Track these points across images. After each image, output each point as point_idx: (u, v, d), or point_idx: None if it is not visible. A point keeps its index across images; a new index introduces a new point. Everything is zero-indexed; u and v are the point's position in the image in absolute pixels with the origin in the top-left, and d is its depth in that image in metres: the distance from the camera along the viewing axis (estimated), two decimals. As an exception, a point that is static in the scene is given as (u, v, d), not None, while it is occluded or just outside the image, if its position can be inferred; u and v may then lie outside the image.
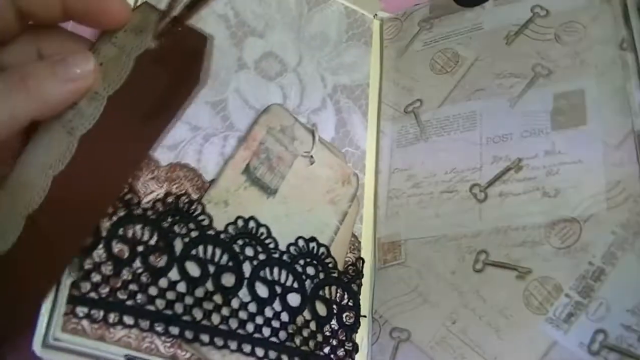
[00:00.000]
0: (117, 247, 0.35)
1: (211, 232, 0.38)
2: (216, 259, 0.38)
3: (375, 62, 0.52)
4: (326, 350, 0.40)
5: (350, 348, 0.41)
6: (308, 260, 0.42)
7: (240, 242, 0.39)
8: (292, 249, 0.41)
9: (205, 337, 0.36)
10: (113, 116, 0.31)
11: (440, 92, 0.48)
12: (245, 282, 0.39)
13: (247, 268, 0.39)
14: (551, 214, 0.40)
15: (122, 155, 0.33)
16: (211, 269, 0.37)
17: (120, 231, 0.35)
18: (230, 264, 0.38)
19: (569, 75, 0.43)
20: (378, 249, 0.46)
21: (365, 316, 0.43)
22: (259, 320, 0.38)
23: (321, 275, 0.42)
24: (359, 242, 0.45)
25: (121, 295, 0.34)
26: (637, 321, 0.35)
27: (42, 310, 0.32)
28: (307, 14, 0.49)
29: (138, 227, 0.36)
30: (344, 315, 0.42)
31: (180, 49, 0.34)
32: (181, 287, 0.36)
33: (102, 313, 0.34)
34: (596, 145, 0.40)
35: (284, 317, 0.39)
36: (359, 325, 0.42)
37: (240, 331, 0.37)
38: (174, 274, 0.36)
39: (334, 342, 0.41)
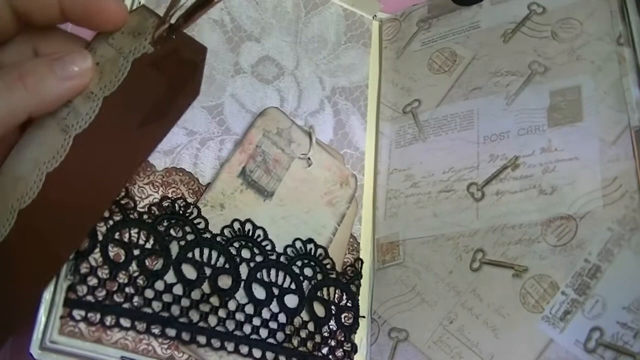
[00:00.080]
0: (113, 250, 0.36)
1: (207, 235, 0.39)
2: (212, 262, 0.38)
3: (374, 63, 0.52)
4: (324, 351, 0.40)
5: (349, 348, 0.42)
6: (305, 261, 0.42)
7: (236, 244, 0.40)
8: (289, 250, 0.41)
9: (202, 339, 0.36)
10: (109, 117, 0.32)
11: (438, 91, 0.48)
12: (242, 284, 0.39)
13: (244, 270, 0.39)
14: (547, 211, 0.39)
15: (118, 158, 0.33)
16: (207, 271, 0.38)
17: (117, 235, 0.36)
18: (227, 266, 0.39)
19: (565, 71, 0.42)
20: (377, 250, 0.46)
21: (364, 317, 0.44)
22: (256, 321, 0.38)
23: (319, 277, 0.42)
24: (358, 243, 0.45)
25: (118, 298, 0.35)
26: (633, 318, 0.34)
27: (40, 313, 0.33)
28: (304, 17, 0.50)
29: (134, 231, 0.37)
30: (342, 316, 0.42)
31: (179, 57, 0.34)
32: (178, 289, 0.37)
33: (98, 316, 0.34)
34: (592, 141, 0.40)
35: (282, 318, 0.39)
36: (358, 325, 0.43)
37: (237, 333, 0.38)
38: (170, 277, 0.37)
39: (333, 343, 0.41)
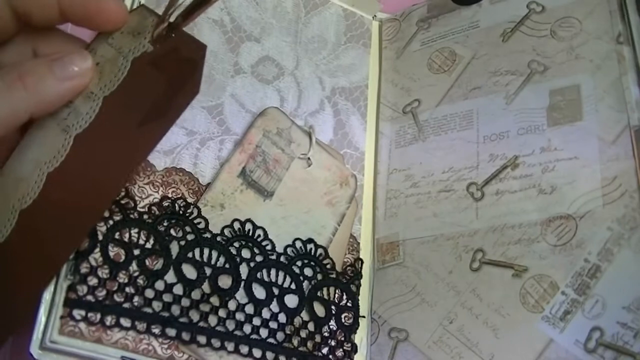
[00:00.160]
0: (113, 250, 0.36)
1: (207, 235, 0.39)
2: (213, 262, 0.38)
3: (374, 63, 0.52)
4: (324, 350, 0.40)
5: (349, 348, 0.42)
6: (305, 261, 0.42)
7: (236, 244, 0.40)
8: (289, 250, 0.41)
9: (202, 339, 0.36)
10: (109, 117, 0.32)
11: (438, 91, 0.48)
12: (242, 283, 0.39)
13: (244, 270, 0.39)
14: (547, 211, 0.39)
15: (118, 158, 0.33)
16: (208, 271, 0.38)
17: (117, 235, 0.36)
18: (227, 266, 0.39)
19: (565, 70, 0.42)
20: (377, 250, 0.46)
21: (364, 316, 0.44)
22: (257, 321, 0.38)
23: (319, 277, 0.42)
24: (358, 243, 0.45)
25: (118, 298, 0.35)
26: (633, 318, 0.34)
27: (40, 312, 0.33)
28: (304, 18, 0.50)
29: (134, 230, 0.37)
30: (342, 316, 0.42)
31: (178, 56, 0.34)
32: (178, 289, 0.37)
33: (99, 316, 0.34)
34: (592, 141, 0.40)
35: (282, 318, 0.39)
36: (358, 325, 0.43)
37: (237, 332, 0.38)
38: (170, 277, 0.37)
39: (333, 343, 0.41)
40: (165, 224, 0.38)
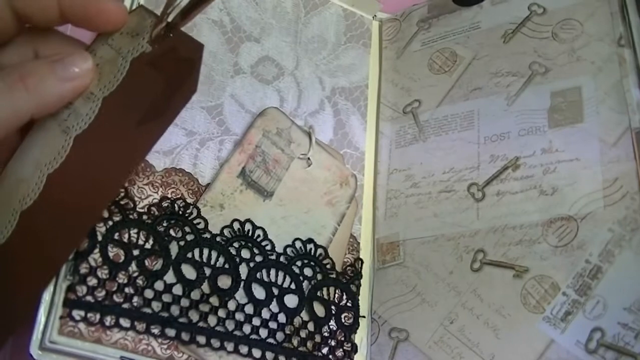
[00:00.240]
0: (112, 251, 0.36)
1: (207, 235, 0.39)
2: (212, 262, 0.38)
3: (374, 63, 0.52)
4: (324, 351, 0.40)
5: (349, 348, 0.41)
6: (305, 261, 0.42)
7: (236, 244, 0.39)
8: (289, 250, 0.41)
9: (201, 339, 0.36)
10: (108, 118, 0.32)
11: (439, 92, 0.48)
12: (242, 284, 0.39)
13: (243, 270, 0.39)
14: (548, 212, 0.39)
15: (117, 158, 0.33)
16: (207, 271, 0.38)
17: (116, 235, 0.36)
18: (227, 266, 0.39)
19: (566, 72, 0.42)
20: (377, 250, 0.46)
21: (364, 316, 0.43)
22: (256, 321, 0.38)
23: (319, 277, 0.42)
24: (358, 243, 0.45)
25: (117, 298, 0.35)
26: (634, 319, 0.34)
27: (39, 313, 0.33)
28: (304, 18, 0.49)
29: (134, 231, 0.37)
30: (342, 316, 0.42)
31: (176, 55, 0.34)
32: (177, 289, 0.37)
33: (98, 316, 0.34)
34: (593, 142, 0.40)
35: (282, 318, 0.39)
36: (358, 325, 0.43)
37: (237, 332, 0.37)
38: (169, 277, 0.37)
39: (333, 343, 0.41)
40: (164, 224, 0.38)
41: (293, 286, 0.41)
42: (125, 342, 0.35)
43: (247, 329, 0.38)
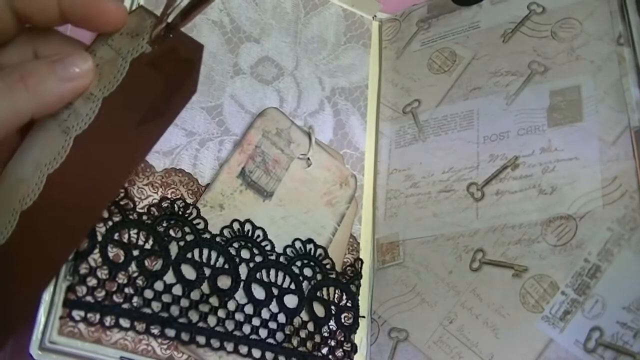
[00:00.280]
0: (112, 251, 0.36)
1: (207, 235, 0.39)
2: (212, 262, 0.38)
3: (374, 63, 0.52)
4: (324, 351, 0.40)
5: (349, 349, 0.41)
6: (305, 261, 0.42)
7: (236, 245, 0.40)
8: (288, 250, 0.41)
9: (201, 339, 0.36)
10: (108, 118, 0.32)
11: (438, 91, 0.48)
12: (242, 284, 0.39)
13: (243, 270, 0.39)
14: (547, 211, 0.39)
15: (117, 158, 0.33)
16: (207, 271, 0.38)
17: (116, 236, 0.36)
18: (226, 266, 0.39)
19: (565, 71, 0.42)
20: (377, 250, 0.46)
21: (364, 317, 0.43)
22: (256, 321, 0.38)
23: (319, 277, 0.42)
24: (358, 243, 0.45)
25: (117, 299, 0.35)
26: (633, 318, 0.34)
27: (39, 313, 0.33)
28: (304, 18, 0.50)
29: (133, 231, 0.37)
30: (342, 316, 0.42)
31: (176, 56, 0.34)
32: (177, 289, 0.37)
33: (98, 316, 0.34)
34: (592, 141, 0.39)
35: (281, 318, 0.39)
36: (358, 325, 0.43)
37: (236, 333, 0.38)
38: (169, 277, 0.37)
39: (332, 343, 0.41)
40: (164, 224, 0.38)
41: (293, 286, 0.41)
42: (125, 342, 0.35)
43: (246, 329, 0.38)
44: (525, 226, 0.40)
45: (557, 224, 0.39)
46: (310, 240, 0.42)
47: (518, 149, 0.42)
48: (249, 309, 0.38)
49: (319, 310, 0.41)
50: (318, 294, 0.41)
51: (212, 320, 0.37)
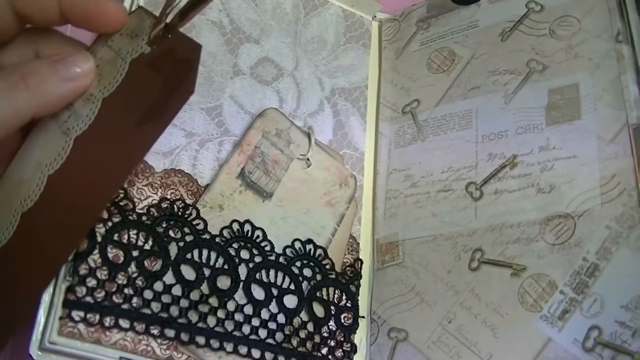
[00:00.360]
0: (112, 252, 0.36)
1: (206, 236, 0.39)
2: (211, 262, 0.38)
3: (373, 63, 0.52)
4: (324, 351, 0.40)
5: (349, 349, 0.42)
6: (305, 262, 0.42)
7: (235, 245, 0.40)
8: (288, 251, 0.42)
9: (201, 339, 0.37)
10: (107, 119, 0.32)
11: (437, 91, 0.48)
12: (241, 284, 0.39)
13: (242, 271, 0.39)
14: (545, 210, 0.39)
15: (116, 158, 0.33)
16: (206, 272, 0.38)
17: (116, 236, 0.36)
18: (226, 267, 0.39)
19: (564, 69, 0.42)
20: (376, 250, 0.46)
21: (363, 317, 0.44)
22: (255, 322, 0.39)
23: (318, 277, 0.42)
24: (358, 243, 0.45)
25: (117, 299, 0.35)
26: (632, 317, 0.34)
27: (39, 314, 0.33)
28: (303, 19, 0.50)
29: (133, 232, 0.37)
30: (342, 316, 0.42)
31: (174, 56, 0.34)
32: (176, 290, 0.37)
33: (97, 317, 0.34)
34: (590, 139, 0.39)
35: (281, 318, 0.39)
36: (358, 326, 0.43)
37: (236, 333, 0.38)
38: (169, 278, 0.37)
39: (332, 343, 0.41)
40: (164, 225, 0.38)
41: (292, 287, 0.41)
42: (124, 342, 0.35)
43: (246, 329, 0.38)
44: (524, 225, 0.40)
45: (555, 222, 0.39)
46: (309, 241, 0.43)
47: (516, 148, 0.42)
48: (248, 310, 0.39)
49: (319, 310, 0.41)
50: (318, 294, 0.42)
51: (211, 321, 0.37)
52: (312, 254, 0.42)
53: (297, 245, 0.42)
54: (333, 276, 0.43)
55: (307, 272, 0.42)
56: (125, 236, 0.37)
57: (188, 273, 0.38)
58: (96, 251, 0.35)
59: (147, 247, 0.37)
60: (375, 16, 0.54)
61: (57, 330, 0.33)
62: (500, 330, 0.38)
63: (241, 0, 0.47)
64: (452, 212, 0.43)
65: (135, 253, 0.36)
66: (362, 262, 0.45)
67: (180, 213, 0.39)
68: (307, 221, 0.43)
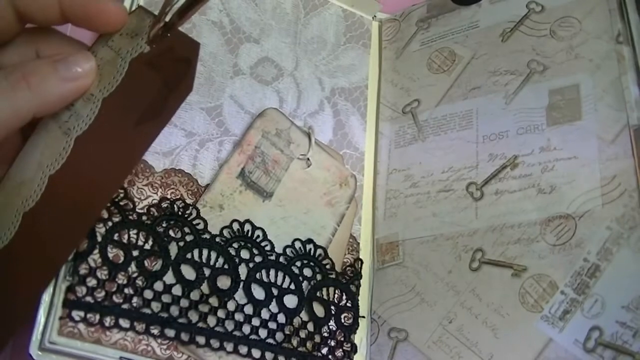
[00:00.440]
0: (112, 252, 0.36)
1: (206, 235, 0.39)
2: (212, 262, 0.38)
3: (373, 63, 0.52)
4: (324, 351, 0.40)
5: (349, 349, 0.42)
6: (305, 262, 0.42)
7: (235, 245, 0.40)
8: (288, 251, 0.41)
9: (201, 339, 0.37)
10: (107, 118, 0.32)
11: (438, 91, 0.48)
12: (241, 284, 0.39)
13: (243, 270, 0.39)
14: (546, 210, 0.39)
15: (116, 158, 0.33)
16: (207, 272, 0.38)
17: (116, 236, 0.36)
18: (226, 266, 0.39)
19: (564, 70, 0.42)
20: (376, 250, 0.46)
21: (363, 317, 0.44)
22: (256, 322, 0.39)
23: (318, 277, 0.42)
24: (358, 243, 0.45)
25: (117, 299, 0.35)
26: (632, 317, 0.34)
27: (39, 314, 0.33)
28: (303, 19, 0.50)
29: (133, 232, 0.37)
30: (342, 316, 0.42)
31: (173, 54, 0.34)
32: (177, 290, 0.37)
33: (98, 316, 0.34)
34: (591, 140, 0.39)
35: (281, 318, 0.39)
36: (358, 325, 0.43)
37: (236, 333, 0.38)
38: (169, 278, 0.37)
39: (332, 343, 0.41)
40: (164, 225, 0.38)
41: (292, 286, 0.41)
42: (124, 342, 0.35)
43: (246, 329, 0.38)
44: (525, 225, 0.40)
45: (556, 223, 0.39)
46: (310, 241, 0.42)
47: (517, 149, 0.42)
48: (248, 309, 0.39)
49: (319, 310, 0.41)
50: (318, 294, 0.42)
51: (211, 321, 0.37)
52: (312, 254, 0.42)
53: (297, 245, 0.42)
54: (333, 276, 0.43)
55: (307, 272, 0.42)
56: (126, 236, 0.36)
57: (188, 273, 0.37)
58: (96, 251, 0.35)
59: (147, 246, 0.37)
60: (375, 16, 0.54)
61: (57, 330, 0.33)
62: (501, 330, 0.38)
63: (241, 0, 0.47)
64: (452, 212, 0.43)
65: (135, 253, 0.36)
66: (362, 262, 0.45)
67: (180, 213, 0.39)
68: (307, 221, 0.43)
